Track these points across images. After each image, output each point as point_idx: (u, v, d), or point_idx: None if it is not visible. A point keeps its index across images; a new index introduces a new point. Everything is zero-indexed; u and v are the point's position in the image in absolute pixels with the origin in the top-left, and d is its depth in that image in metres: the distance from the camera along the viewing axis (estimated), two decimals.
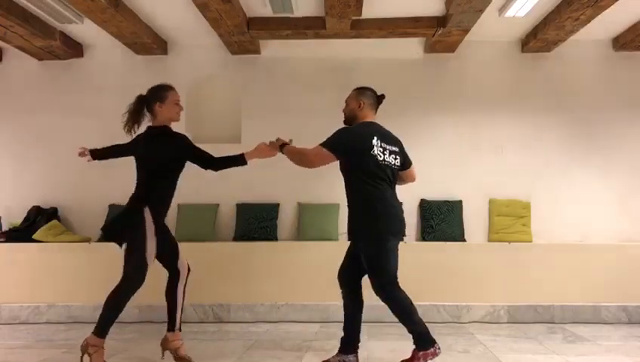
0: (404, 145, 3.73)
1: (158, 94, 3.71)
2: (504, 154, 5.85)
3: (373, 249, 3.43)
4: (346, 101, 3.73)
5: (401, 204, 3.65)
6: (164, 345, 3.77)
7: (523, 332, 4.80)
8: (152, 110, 3.71)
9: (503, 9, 5.07)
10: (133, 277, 3.59)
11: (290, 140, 3.77)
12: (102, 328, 3.55)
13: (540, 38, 5.46)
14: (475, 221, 5.78)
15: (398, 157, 3.61)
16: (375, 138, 3.49)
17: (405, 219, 3.61)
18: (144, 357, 4.02)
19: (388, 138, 3.60)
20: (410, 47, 5.95)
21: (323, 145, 3.49)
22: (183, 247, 5.52)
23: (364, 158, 3.45)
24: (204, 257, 5.39)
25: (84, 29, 5.52)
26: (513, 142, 5.87)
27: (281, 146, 3.73)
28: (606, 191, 5.80)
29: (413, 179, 3.87)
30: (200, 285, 5.31)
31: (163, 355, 3.79)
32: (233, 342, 4.52)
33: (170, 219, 5.85)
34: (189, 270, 3.83)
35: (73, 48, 5.93)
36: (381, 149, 3.49)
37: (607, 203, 5.78)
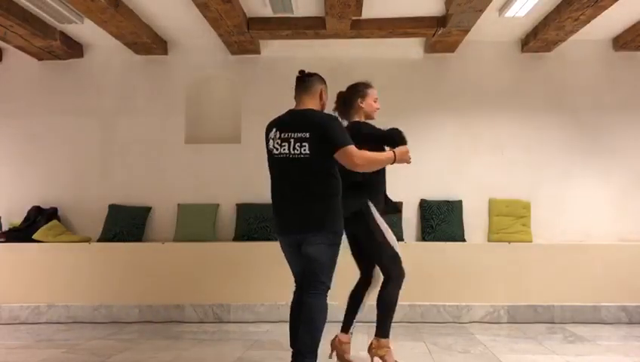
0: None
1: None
2: (504, 154, 5.85)
3: None
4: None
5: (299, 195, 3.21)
6: (371, 351, 3.61)
7: (523, 332, 4.80)
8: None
9: (502, 9, 5.07)
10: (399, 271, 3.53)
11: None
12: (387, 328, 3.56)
13: (539, 38, 5.46)
14: (475, 221, 5.78)
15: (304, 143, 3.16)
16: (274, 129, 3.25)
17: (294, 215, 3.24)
18: (144, 357, 4.02)
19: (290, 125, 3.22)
20: (410, 47, 5.95)
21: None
22: (183, 247, 5.58)
23: None
24: (204, 257, 5.41)
25: (84, 29, 5.52)
26: (513, 142, 5.87)
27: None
28: (606, 191, 5.80)
29: (346, 163, 3.21)
30: (200, 285, 5.34)
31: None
32: (233, 342, 4.52)
33: (170, 219, 5.88)
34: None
35: (73, 48, 5.93)
36: (279, 141, 3.20)
37: (607, 203, 5.77)
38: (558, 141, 5.86)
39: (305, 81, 3.38)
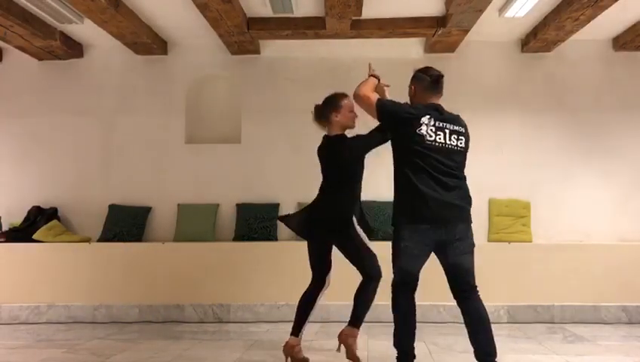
0: None
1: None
2: (504, 154, 5.85)
3: None
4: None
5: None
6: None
7: (523, 332, 4.80)
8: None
9: (503, 9, 5.07)
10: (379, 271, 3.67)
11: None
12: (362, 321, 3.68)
13: (539, 38, 5.46)
14: (475, 221, 5.66)
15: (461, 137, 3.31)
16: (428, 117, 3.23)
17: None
18: (144, 357, 4.02)
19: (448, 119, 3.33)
20: (410, 47, 5.94)
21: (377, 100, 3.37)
22: (183, 247, 5.58)
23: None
24: (204, 257, 5.42)
25: (84, 29, 5.52)
26: (513, 142, 5.87)
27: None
28: (606, 191, 5.79)
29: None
30: (200, 285, 5.35)
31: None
32: (233, 342, 4.52)
33: (170, 219, 5.88)
34: None
35: (73, 48, 5.93)
36: (433, 128, 3.21)
37: (607, 202, 5.77)
38: (558, 141, 5.86)
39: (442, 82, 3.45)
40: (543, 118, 5.86)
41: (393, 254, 3.29)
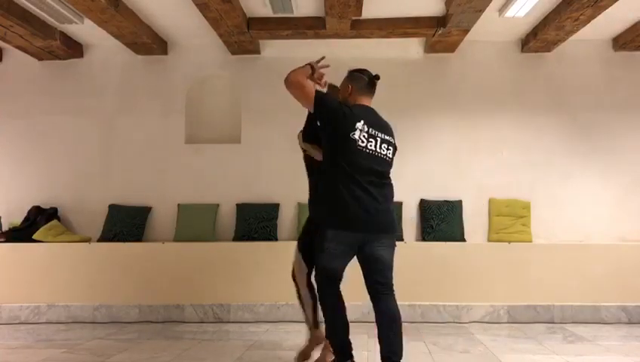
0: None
1: None
2: (504, 154, 5.85)
3: None
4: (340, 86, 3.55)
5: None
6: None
7: (523, 332, 4.80)
8: None
9: (503, 9, 5.07)
10: None
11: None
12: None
13: (539, 38, 5.46)
14: (475, 221, 5.78)
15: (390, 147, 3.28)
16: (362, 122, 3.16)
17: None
18: (144, 357, 4.02)
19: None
20: (410, 47, 5.95)
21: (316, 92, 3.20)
22: (183, 247, 5.58)
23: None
24: (204, 257, 5.42)
25: (84, 29, 5.52)
26: (513, 141, 5.87)
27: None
28: (606, 191, 5.80)
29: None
30: (200, 285, 5.35)
31: None
32: (233, 342, 4.52)
33: (170, 219, 5.88)
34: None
35: (73, 48, 5.93)
36: (365, 135, 3.15)
37: (607, 202, 5.77)
38: (558, 141, 5.86)
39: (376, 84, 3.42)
40: (542, 118, 5.87)
41: (316, 251, 3.25)
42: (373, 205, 3.11)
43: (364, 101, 3.35)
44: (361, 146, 3.12)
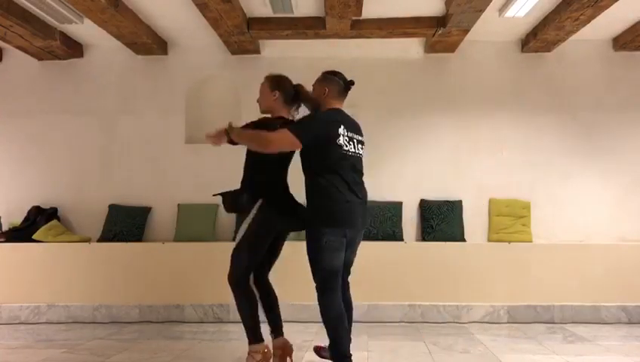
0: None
1: None
2: (504, 154, 5.85)
3: None
4: (313, 86, 3.62)
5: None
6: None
7: (523, 332, 4.80)
8: None
9: (503, 9, 5.07)
10: None
11: (230, 123, 3.57)
12: None
13: (539, 38, 5.46)
14: (475, 221, 5.78)
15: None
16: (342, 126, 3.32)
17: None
18: (144, 357, 4.02)
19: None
20: (410, 47, 5.95)
21: (291, 130, 3.30)
22: (183, 247, 5.57)
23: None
24: (204, 257, 5.41)
25: (84, 29, 5.52)
26: (513, 142, 5.87)
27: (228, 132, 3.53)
28: (606, 191, 5.80)
29: None
30: (200, 285, 5.34)
31: None
32: (233, 342, 4.52)
33: (170, 219, 5.88)
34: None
35: (73, 48, 5.93)
36: (347, 138, 3.33)
37: (607, 202, 5.77)
38: (558, 141, 5.86)
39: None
40: (542, 118, 5.87)
41: (314, 254, 3.37)
42: (359, 202, 3.36)
43: (338, 105, 3.46)
44: (345, 150, 3.32)
